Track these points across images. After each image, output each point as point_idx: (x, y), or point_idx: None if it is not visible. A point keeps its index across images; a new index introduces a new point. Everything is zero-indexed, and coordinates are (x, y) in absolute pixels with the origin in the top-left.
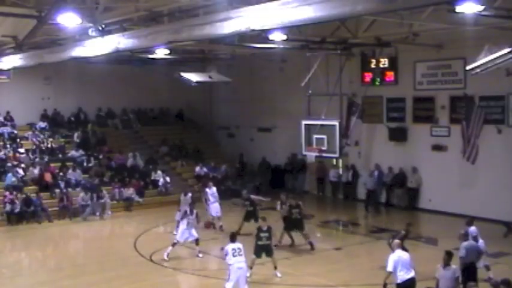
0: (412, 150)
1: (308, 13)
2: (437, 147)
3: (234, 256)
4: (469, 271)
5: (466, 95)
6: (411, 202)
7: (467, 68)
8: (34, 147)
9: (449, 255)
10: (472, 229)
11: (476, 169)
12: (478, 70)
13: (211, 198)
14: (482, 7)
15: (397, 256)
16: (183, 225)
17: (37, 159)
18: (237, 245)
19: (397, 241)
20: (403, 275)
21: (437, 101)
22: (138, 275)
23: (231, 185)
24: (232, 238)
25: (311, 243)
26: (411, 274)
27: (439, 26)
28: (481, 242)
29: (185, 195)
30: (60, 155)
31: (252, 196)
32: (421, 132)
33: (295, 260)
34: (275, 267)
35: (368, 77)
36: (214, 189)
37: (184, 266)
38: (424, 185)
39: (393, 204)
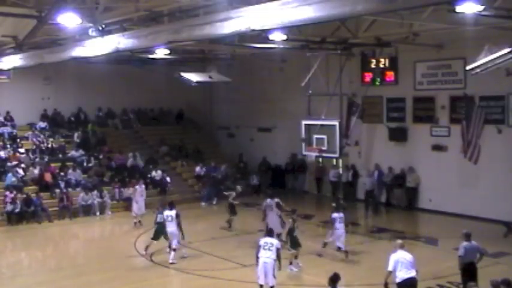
0: (412, 150)
1: (308, 13)
2: (437, 147)
3: (264, 249)
4: (468, 271)
5: (466, 95)
6: (410, 202)
7: (468, 68)
8: (34, 147)
9: (332, 280)
10: (335, 215)
11: (477, 169)
12: (478, 70)
13: (138, 197)
14: (482, 7)
15: (398, 256)
16: None
17: (37, 159)
18: (271, 239)
19: (399, 241)
20: (402, 275)
21: (437, 101)
22: (138, 275)
23: (230, 185)
24: (270, 232)
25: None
26: (411, 274)
27: (439, 26)
28: (340, 227)
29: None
30: (60, 155)
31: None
32: (421, 132)
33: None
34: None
35: (368, 77)
36: (143, 186)
37: (184, 266)
38: (424, 185)
39: (393, 204)
